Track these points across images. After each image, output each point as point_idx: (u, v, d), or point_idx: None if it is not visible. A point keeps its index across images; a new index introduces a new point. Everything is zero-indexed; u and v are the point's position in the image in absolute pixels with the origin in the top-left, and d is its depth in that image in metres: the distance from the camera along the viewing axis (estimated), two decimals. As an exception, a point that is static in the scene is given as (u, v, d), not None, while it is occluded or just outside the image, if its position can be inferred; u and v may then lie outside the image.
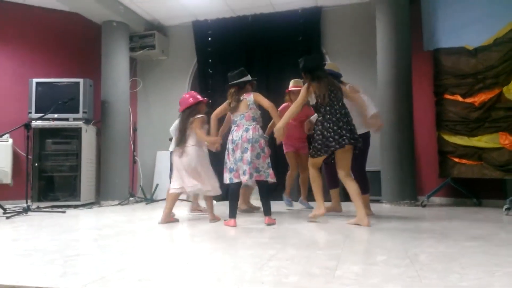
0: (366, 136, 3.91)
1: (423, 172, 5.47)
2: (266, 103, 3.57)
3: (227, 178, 3.53)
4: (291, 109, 3.57)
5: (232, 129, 3.62)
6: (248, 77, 3.72)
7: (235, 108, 3.59)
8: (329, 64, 4.11)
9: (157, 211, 4.81)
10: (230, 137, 3.57)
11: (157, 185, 6.52)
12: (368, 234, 2.91)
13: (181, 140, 3.71)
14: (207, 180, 3.70)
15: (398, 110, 5.03)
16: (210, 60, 6.69)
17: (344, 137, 3.33)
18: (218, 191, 3.78)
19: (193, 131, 3.71)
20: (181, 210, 4.57)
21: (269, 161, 3.53)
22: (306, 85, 3.55)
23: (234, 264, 1.99)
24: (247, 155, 3.41)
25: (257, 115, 3.60)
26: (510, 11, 4.43)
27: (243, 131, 3.49)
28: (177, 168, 3.73)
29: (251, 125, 3.51)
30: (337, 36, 6.22)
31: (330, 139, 3.34)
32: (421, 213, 4.18)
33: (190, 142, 3.70)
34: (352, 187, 3.39)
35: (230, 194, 3.54)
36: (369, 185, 4.07)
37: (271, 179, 3.50)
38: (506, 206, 3.95)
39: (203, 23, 6.72)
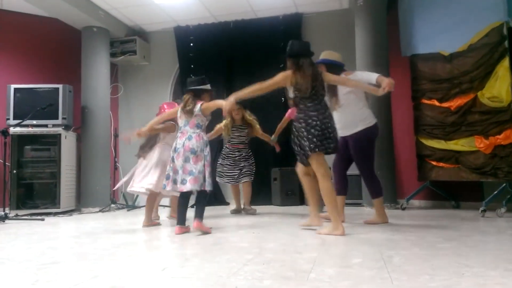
0: (359, 134, 3.64)
1: (403, 176, 5.55)
2: (213, 106, 3.45)
3: (164, 185, 3.43)
4: (256, 86, 3.24)
5: (176, 136, 3.50)
6: (207, 86, 3.59)
7: (189, 112, 3.42)
8: (327, 52, 3.81)
9: (138, 218, 4.77)
10: (173, 145, 3.46)
11: (139, 191, 6.47)
12: (346, 237, 2.94)
13: (150, 143, 4.09)
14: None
15: (377, 115, 5.06)
16: (192, 66, 6.70)
17: (329, 141, 3.11)
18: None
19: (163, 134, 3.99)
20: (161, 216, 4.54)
21: (210, 169, 3.37)
22: (286, 72, 3.23)
23: (210, 269, 1.99)
24: (189, 165, 3.30)
25: (203, 122, 3.46)
26: (484, 18, 4.55)
27: (186, 139, 3.37)
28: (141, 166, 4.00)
29: (194, 133, 3.39)
30: (317, 42, 6.24)
31: (315, 139, 3.06)
32: (400, 216, 4.24)
33: (161, 142, 4.02)
34: (307, 185, 3.33)
35: (179, 202, 3.43)
36: (374, 188, 3.75)
37: (210, 187, 3.33)
38: (482, 208, 4.04)
39: (184, 29, 6.73)
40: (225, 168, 4.90)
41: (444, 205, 5.12)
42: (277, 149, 5.05)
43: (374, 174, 3.77)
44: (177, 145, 3.39)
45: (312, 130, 3.08)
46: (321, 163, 3.13)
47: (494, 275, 1.76)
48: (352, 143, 3.70)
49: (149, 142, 4.11)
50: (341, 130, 3.67)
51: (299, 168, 3.38)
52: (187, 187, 3.26)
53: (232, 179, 4.88)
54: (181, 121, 3.49)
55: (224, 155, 4.96)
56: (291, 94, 3.28)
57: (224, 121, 4.90)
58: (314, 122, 3.09)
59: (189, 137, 3.37)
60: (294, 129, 3.22)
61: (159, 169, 3.83)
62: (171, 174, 3.37)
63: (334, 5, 6.12)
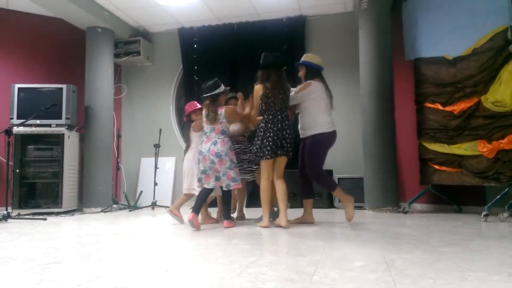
0: (315, 137, 3.87)
1: (405, 179, 5.55)
2: (240, 114, 3.91)
3: (196, 186, 3.90)
4: (246, 115, 3.90)
5: (202, 140, 3.85)
6: (221, 88, 3.86)
7: (212, 120, 3.77)
8: (308, 55, 4.09)
9: (140, 218, 4.79)
10: (199, 148, 3.82)
11: (141, 192, 6.49)
12: (349, 240, 2.94)
13: (187, 146, 4.21)
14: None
15: (380, 118, 5.12)
16: (195, 67, 6.73)
17: (281, 149, 3.66)
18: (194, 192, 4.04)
19: (193, 135, 4.11)
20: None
21: (237, 170, 3.84)
22: (257, 86, 3.75)
23: (213, 271, 1.99)
24: (216, 167, 3.70)
25: (226, 128, 3.83)
26: (488, 23, 4.55)
27: (211, 143, 3.73)
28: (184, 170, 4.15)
29: (219, 138, 3.74)
30: (321, 45, 6.31)
31: (268, 148, 3.63)
32: (402, 220, 4.23)
33: (193, 145, 4.12)
34: (280, 188, 3.71)
35: (198, 197, 3.83)
36: (326, 185, 4.06)
37: (239, 186, 3.83)
38: (484, 213, 4.03)
39: (188, 30, 6.76)
40: None
41: (446, 209, 5.11)
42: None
43: (320, 175, 3.93)
44: (203, 149, 3.77)
45: (265, 141, 3.65)
46: (265, 169, 3.72)
47: (497, 280, 1.76)
48: (307, 144, 3.94)
49: (186, 147, 4.29)
50: (301, 131, 4.01)
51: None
52: (221, 183, 3.73)
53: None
54: (206, 127, 3.82)
55: None
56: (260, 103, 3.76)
57: None
58: (270, 134, 3.65)
59: (214, 142, 3.73)
60: (255, 136, 3.78)
61: (187, 174, 4.08)
62: (201, 176, 3.80)
63: (338, 8, 6.14)
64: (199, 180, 3.81)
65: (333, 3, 5.98)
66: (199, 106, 4.20)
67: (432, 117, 4.91)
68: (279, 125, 3.67)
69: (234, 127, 4.73)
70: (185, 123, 4.39)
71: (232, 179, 3.73)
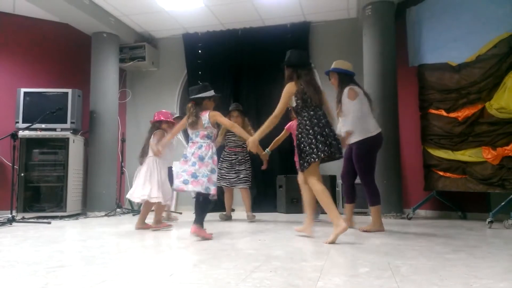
0: (359, 143, 3.80)
1: (409, 185, 5.54)
2: (225, 122, 3.58)
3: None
4: (271, 119, 3.28)
5: (189, 145, 3.60)
6: (208, 93, 3.60)
7: (193, 124, 3.53)
8: (339, 62, 3.96)
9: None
10: (184, 152, 3.56)
11: (144, 196, 6.49)
12: (353, 246, 2.94)
13: (144, 151, 4.21)
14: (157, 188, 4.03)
15: (384, 124, 5.08)
16: (200, 72, 6.76)
17: (332, 147, 3.17)
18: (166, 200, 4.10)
19: (152, 142, 4.13)
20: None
21: (215, 180, 3.47)
22: (289, 84, 3.30)
23: (217, 276, 2.00)
24: (194, 168, 3.39)
25: (212, 133, 3.57)
26: (493, 29, 4.56)
27: (196, 148, 3.48)
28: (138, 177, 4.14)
29: (205, 142, 3.50)
30: (325, 50, 6.33)
31: (319, 146, 3.13)
32: (406, 226, 4.22)
33: (150, 153, 4.14)
34: (306, 194, 3.49)
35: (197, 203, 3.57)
36: (370, 196, 3.86)
37: (214, 194, 3.43)
38: (489, 219, 4.02)
39: (193, 36, 6.80)
40: (222, 171, 4.93)
41: (451, 216, 5.09)
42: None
43: (371, 182, 3.86)
44: (187, 153, 3.51)
45: (314, 140, 3.16)
46: (312, 172, 3.23)
47: (503, 287, 1.75)
48: (354, 151, 3.87)
49: (143, 151, 4.28)
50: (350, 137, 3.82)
51: (300, 177, 3.53)
52: (188, 187, 3.35)
53: (228, 182, 4.91)
54: (191, 132, 3.59)
55: (222, 158, 5.00)
56: (293, 103, 3.32)
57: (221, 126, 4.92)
58: (318, 129, 3.18)
59: (199, 146, 3.50)
60: (297, 138, 3.32)
61: (148, 180, 4.07)
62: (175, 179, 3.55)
63: (342, 14, 6.16)
64: (185, 182, 3.42)
65: (337, 10, 6.01)
66: (171, 119, 4.34)
67: (436, 123, 4.91)
68: (323, 120, 3.23)
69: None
70: (151, 126, 4.33)
71: (214, 183, 3.42)
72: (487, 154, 4.49)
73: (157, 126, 4.28)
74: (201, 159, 3.43)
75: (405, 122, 5.39)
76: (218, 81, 6.58)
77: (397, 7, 5.44)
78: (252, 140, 3.38)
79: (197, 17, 6.24)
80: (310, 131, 3.19)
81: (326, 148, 3.14)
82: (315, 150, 3.15)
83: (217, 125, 3.69)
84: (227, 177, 4.92)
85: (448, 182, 4.80)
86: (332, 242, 3.00)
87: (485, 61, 4.57)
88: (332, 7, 5.93)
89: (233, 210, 6.25)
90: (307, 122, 3.23)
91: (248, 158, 4.99)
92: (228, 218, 5.02)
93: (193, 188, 3.35)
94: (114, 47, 6.30)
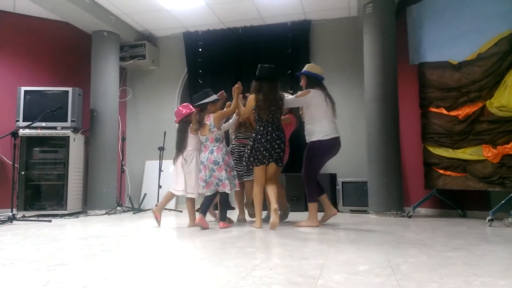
0: (310, 143, 4.06)
1: (409, 183, 5.54)
2: (224, 113, 4.05)
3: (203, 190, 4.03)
4: (236, 115, 4.09)
5: (201, 148, 4.09)
6: (210, 98, 4.02)
7: (197, 130, 3.99)
8: (309, 65, 4.23)
9: (144, 221, 4.80)
10: (200, 158, 4.04)
11: (145, 194, 6.51)
12: (353, 244, 2.94)
13: (180, 147, 4.19)
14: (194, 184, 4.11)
15: (384, 122, 5.12)
16: (200, 71, 6.76)
17: (270, 158, 3.84)
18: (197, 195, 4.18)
19: (191, 137, 4.16)
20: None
21: (234, 173, 4.03)
22: (251, 96, 3.94)
23: (218, 274, 2.00)
24: (216, 174, 3.89)
25: (220, 135, 3.98)
26: (493, 27, 4.55)
27: (208, 152, 3.92)
28: (178, 173, 4.17)
29: (215, 146, 3.93)
30: (325, 49, 6.33)
31: (257, 156, 3.85)
32: (407, 224, 4.23)
33: (189, 147, 4.18)
34: (268, 190, 3.89)
35: (220, 201, 4.10)
36: (307, 192, 4.10)
37: (237, 188, 4.04)
38: (489, 218, 4.02)
39: (193, 34, 6.79)
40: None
41: (451, 214, 5.10)
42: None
43: (309, 182, 4.06)
44: (202, 159, 3.97)
45: (254, 151, 3.87)
46: (256, 175, 3.96)
47: (503, 284, 1.75)
48: (306, 149, 4.14)
49: (178, 148, 4.26)
50: (306, 137, 4.15)
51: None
52: (220, 189, 3.90)
53: (238, 176, 4.84)
54: (201, 137, 4.01)
55: (231, 150, 4.93)
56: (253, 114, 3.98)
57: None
58: (257, 144, 3.85)
59: (211, 151, 3.93)
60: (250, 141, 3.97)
61: (186, 175, 4.16)
62: (200, 182, 3.98)
63: (342, 13, 6.16)
64: (203, 187, 3.95)
65: (337, 8, 6.00)
66: (194, 109, 4.29)
67: (436, 122, 4.91)
68: (268, 136, 3.85)
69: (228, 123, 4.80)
70: (179, 124, 4.31)
71: (232, 180, 3.95)
72: (487, 152, 4.49)
73: (189, 120, 4.24)
74: (217, 163, 3.87)
75: (406, 121, 5.39)
76: (218, 80, 6.59)
77: (397, 5, 5.44)
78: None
79: (198, 16, 6.23)
80: (253, 144, 3.90)
81: (258, 160, 3.87)
82: (252, 160, 3.89)
83: (224, 121, 4.09)
84: (236, 169, 4.86)
85: (449, 180, 4.81)
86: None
87: (485, 59, 4.57)
88: (332, 6, 5.92)
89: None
90: (254, 135, 3.94)
91: None
92: (243, 220, 4.71)
93: (223, 189, 3.89)
94: (115, 45, 6.30)
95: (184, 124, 4.24)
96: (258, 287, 1.73)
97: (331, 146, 4.02)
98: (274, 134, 3.87)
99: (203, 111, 4.00)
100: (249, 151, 3.92)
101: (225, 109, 4.12)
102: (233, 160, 4.90)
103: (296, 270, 2.07)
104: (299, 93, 4.10)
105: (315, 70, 4.14)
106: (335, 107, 4.10)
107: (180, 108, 4.34)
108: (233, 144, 4.97)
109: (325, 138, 3.96)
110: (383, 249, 2.70)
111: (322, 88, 4.08)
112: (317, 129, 3.99)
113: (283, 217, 4.55)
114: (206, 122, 3.95)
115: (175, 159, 4.22)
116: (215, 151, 3.90)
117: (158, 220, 4.14)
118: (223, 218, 3.99)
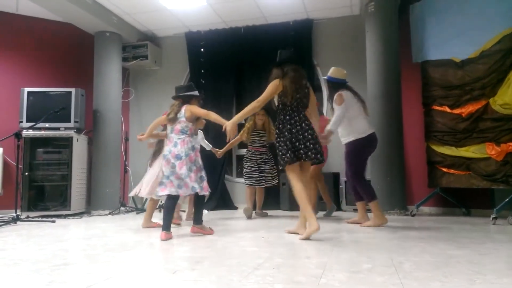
0: (349, 144, 4.03)
1: (412, 182, 5.52)
2: (200, 112, 3.47)
3: (158, 190, 3.45)
4: (253, 104, 3.29)
5: (165, 142, 3.62)
6: (196, 92, 3.61)
7: (171, 120, 3.46)
8: (332, 70, 4.18)
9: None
10: (163, 151, 3.55)
11: (148, 194, 6.51)
12: (356, 243, 2.94)
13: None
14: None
15: (387, 120, 5.10)
16: (202, 71, 6.76)
17: (299, 152, 3.25)
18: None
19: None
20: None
21: (202, 174, 3.41)
22: (275, 80, 3.33)
23: (221, 273, 2.00)
24: (177, 171, 3.31)
25: (187, 128, 3.44)
26: (496, 25, 4.53)
27: (172, 145, 3.39)
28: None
29: (179, 138, 3.39)
30: (328, 48, 6.31)
31: (289, 151, 3.23)
32: (410, 223, 4.21)
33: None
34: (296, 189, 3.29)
35: (165, 207, 3.42)
36: (362, 193, 4.05)
37: (205, 191, 3.39)
38: (493, 216, 4.00)
39: (196, 34, 6.79)
40: (247, 170, 4.98)
41: (454, 212, 5.08)
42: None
43: (359, 181, 3.99)
44: (165, 152, 3.43)
45: (282, 144, 3.27)
46: (291, 171, 3.29)
47: (507, 282, 1.75)
48: (345, 151, 4.09)
49: (157, 151, 4.18)
50: (341, 139, 4.14)
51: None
52: (183, 191, 3.32)
53: (256, 181, 4.93)
54: (168, 128, 3.52)
55: (246, 158, 5.05)
56: (276, 101, 3.39)
57: (246, 124, 4.99)
58: (288, 135, 3.27)
59: (174, 143, 3.38)
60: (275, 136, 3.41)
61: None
62: (163, 180, 3.38)
63: (344, 11, 6.14)
64: (161, 184, 3.39)
65: (339, 7, 5.99)
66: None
67: (440, 120, 4.89)
68: (298, 126, 3.29)
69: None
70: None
71: (196, 181, 3.34)
72: (491, 150, 4.47)
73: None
74: (179, 158, 3.32)
75: (409, 119, 5.38)
76: (220, 79, 6.59)
77: (400, 3, 5.42)
78: (232, 122, 3.26)
79: (200, 16, 6.23)
80: (281, 135, 3.30)
81: (292, 154, 3.23)
82: (283, 157, 3.26)
83: (195, 119, 3.55)
84: (254, 176, 4.94)
85: (452, 179, 4.79)
86: (306, 239, 3.07)
87: (489, 57, 4.55)
88: (335, 4, 5.91)
89: (236, 208, 6.28)
90: (280, 126, 3.33)
91: (271, 157, 5.02)
92: (249, 212, 4.86)
93: (185, 191, 3.31)
94: (117, 46, 6.31)
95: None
96: (261, 286, 1.73)
97: (369, 142, 4.02)
98: (304, 124, 3.31)
99: (184, 104, 3.52)
100: (279, 146, 3.31)
101: (201, 109, 3.53)
102: (249, 167, 4.96)
103: (299, 269, 2.07)
104: (335, 102, 3.97)
105: (338, 74, 4.12)
106: (366, 105, 4.13)
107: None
108: (249, 152, 5.01)
109: (362, 136, 3.96)
110: (386, 248, 2.69)
111: (348, 88, 4.10)
112: (353, 129, 3.99)
113: (328, 213, 4.84)
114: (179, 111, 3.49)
115: (151, 163, 4.21)
116: (179, 143, 3.36)
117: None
118: (198, 221, 3.48)
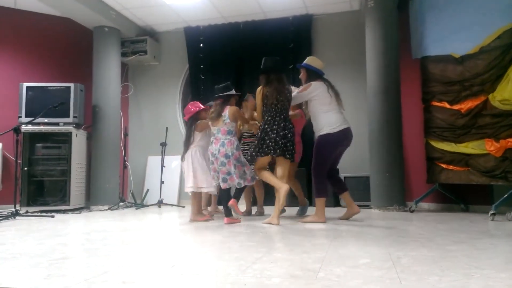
0: (319, 137, 3.97)
1: (411, 178, 5.53)
2: (241, 119, 4.13)
3: (215, 185, 4.07)
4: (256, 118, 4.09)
5: (211, 141, 4.01)
6: (233, 91, 4.09)
7: (214, 119, 3.97)
8: (310, 58, 4.18)
9: (147, 216, 4.82)
10: (210, 149, 3.99)
11: (147, 190, 6.52)
12: (354, 238, 2.94)
13: (188, 144, 4.15)
14: (203, 178, 4.06)
15: (387, 116, 5.10)
16: (201, 66, 6.74)
17: (277, 148, 3.77)
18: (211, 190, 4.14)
19: (196, 135, 4.14)
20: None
21: (244, 169, 3.97)
22: (259, 88, 3.91)
23: (218, 267, 2.01)
24: (225, 168, 3.88)
25: (233, 128, 3.98)
26: (496, 21, 4.52)
27: (220, 145, 3.89)
28: (187, 169, 4.13)
29: (226, 139, 3.90)
30: (327, 43, 6.30)
31: (269, 144, 3.79)
32: (409, 218, 4.22)
33: (193, 144, 4.14)
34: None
35: (222, 197, 4.10)
36: (314, 186, 4.00)
37: (248, 183, 4.01)
38: (491, 212, 4.01)
39: (195, 29, 6.77)
40: None
41: (453, 208, 5.09)
42: None
43: (317, 176, 3.95)
44: (213, 151, 3.94)
45: (266, 139, 3.82)
46: (260, 164, 3.92)
47: (504, 277, 1.75)
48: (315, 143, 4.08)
49: (185, 145, 4.21)
50: (315, 133, 4.13)
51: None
52: (228, 184, 3.91)
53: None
54: (213, 128, 3.99)
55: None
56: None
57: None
58: (263, 135, 3.84)
59: (222, 143, 3.90)
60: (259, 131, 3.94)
61: (192, 172, 4.05)
62: (214, 174, 3.99)
63: (344, 7, 6.12)
64: (224, 180, 3.92)
65: (339, 2, 5.96)
66: (202, 106, 4.24)
67: (439, 116, 4.88)
68: (275, 126, 3.82)
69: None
70: (187, 122, 4.33)
71: (240, 176, 3.90)
72: (490, 146, 4.47)
73: (197, 117, 4.21)
74: (228, 157, 3.86)
75: (408, 115, 5.37)
76: (219, 75, 6.57)
77: (399, -1, 5.40)
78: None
79: (199, 11, 6.21)
80: (264, 133, 3.85)
81: (270, 149, 3.80)
82: (264, 148, 3.82)
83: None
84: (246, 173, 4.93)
85: (451, 175, 4.79)
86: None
87: (488, 53, 4.54)
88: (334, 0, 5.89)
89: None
90: (264, 125, 3.87)
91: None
92: (249, 213, 4.84)
93: (231, 183, 3.90)
94: (116, 41, 6.29)
95: (193, 121, 4.20)
96: (258, 280, 1.74)
97: (341, 138, 3.92)
98: (282, 124, 3.83)
99: (226, 102, 4.02)
100: (256, 142, 3.93)
101: (244, 113, 4.36)
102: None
103: (297, 263, 2.07)
104: (301, 87, 4.07)
105: (315, 63, 4.07)
106: (340, 98, 4.01)
107: (189, 106, 4.30)
108: (240, 143, 4.99)
109: (334, 131, 3.87)
110: (384, 243, 2.69)
111: (323, 80, 4.03)
112: (324, 123, 3.90)
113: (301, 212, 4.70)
114: (221, 113, 3.98)
115: (182, 157, 4.17)
116: (226, 144, 3.89)
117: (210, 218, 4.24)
118: (228, 213, 3.93)
